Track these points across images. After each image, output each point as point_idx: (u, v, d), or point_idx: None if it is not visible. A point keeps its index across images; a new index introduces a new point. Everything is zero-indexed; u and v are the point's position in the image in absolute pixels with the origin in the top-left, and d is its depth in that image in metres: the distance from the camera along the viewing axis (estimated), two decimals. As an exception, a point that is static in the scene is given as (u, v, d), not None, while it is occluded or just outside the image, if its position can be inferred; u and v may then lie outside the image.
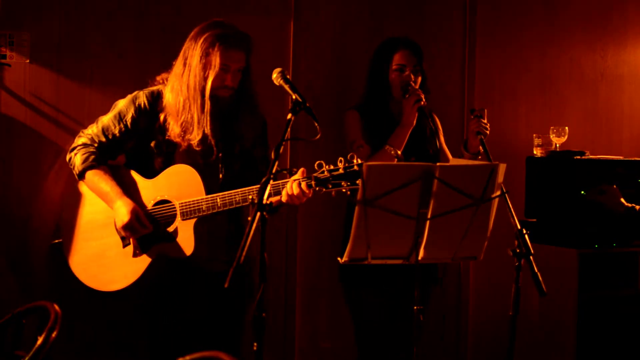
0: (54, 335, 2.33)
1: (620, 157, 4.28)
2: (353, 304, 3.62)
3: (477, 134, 3.43)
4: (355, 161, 2.80)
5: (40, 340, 2.31)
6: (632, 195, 4.13)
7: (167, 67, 3.34)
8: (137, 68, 3.78)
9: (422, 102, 3.48)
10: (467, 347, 4.53)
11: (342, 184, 2.79)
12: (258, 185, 2.60)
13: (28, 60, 3.63)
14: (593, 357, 3.97)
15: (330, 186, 2.80)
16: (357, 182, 2.73)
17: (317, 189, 2.83)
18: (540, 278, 2.82)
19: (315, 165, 2.82)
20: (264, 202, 2.53)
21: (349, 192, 2.80)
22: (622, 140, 4.86)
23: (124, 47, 3.77)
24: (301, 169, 2.89)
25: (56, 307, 2.43)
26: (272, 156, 2.62)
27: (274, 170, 2.62)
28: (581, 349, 3.92)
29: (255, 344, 2.52)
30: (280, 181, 2.93)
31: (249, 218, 2.51)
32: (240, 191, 2.97)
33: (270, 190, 2.89)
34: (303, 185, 2.85)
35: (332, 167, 2.84)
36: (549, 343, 4.06)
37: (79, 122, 3.70)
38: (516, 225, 2.88)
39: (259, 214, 2.52)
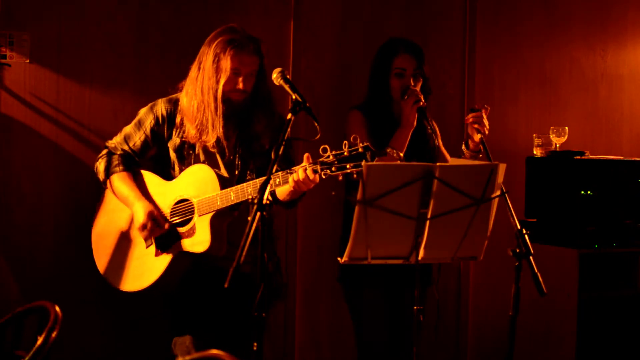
0: (54, 335, 2.33)
1: (620, 157, 4.28)
2: (352, 304, 3.62)
3: (476, 132, 3.42)
4: (359, 143, 2.80)
5: (40, 340, 2.31)
6: (632, 195, 4.13)
7: (166, 67, 3.35)
8: (137, 68, 3.79)
9: (421, 103, 3.47)
10: (467, 347, 4.53)
11: (347, 166, 2.79)
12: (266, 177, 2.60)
13: (28, 60, 3.63)
14: (593, 357, 3.97)
15: (334, 169, 2.81)
16: (362, 163, 2.74)
17: (322, 173, 2.84)
18: (540, 278, 2.82)
19: (320, 150, 2.83)
20: (263, 202, 2.53)
21: (355, 175, 2.80)
22: (622, 140, 4.86)
23: (124, 47, 3.77)
24: (306, 155, 2.90)
25: (56, 307, 2.43)
26: (272, 156, 2.63)
27: (273, 170, 2.64)
28: (581, 349, 3.93)
29: (255, 343, 2.52)
30: (287, 170, 2.95)
31: (249, 218, 2.51)
32: (252, 183, 3.00)
33: (280, 179, 2.92)
34: (309, 170, 2.87)
35: (336, 151, 2.85)
36: (549, 343, 4.06)
37: (79, 122, 3.70)
38: (516, 225, 2.88)
39: (259, 214, 2.52)
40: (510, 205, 2.91)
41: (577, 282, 3.93)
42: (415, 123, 3.48)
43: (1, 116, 3.60)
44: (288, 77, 2.91)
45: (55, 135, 3.68)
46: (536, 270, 2.82)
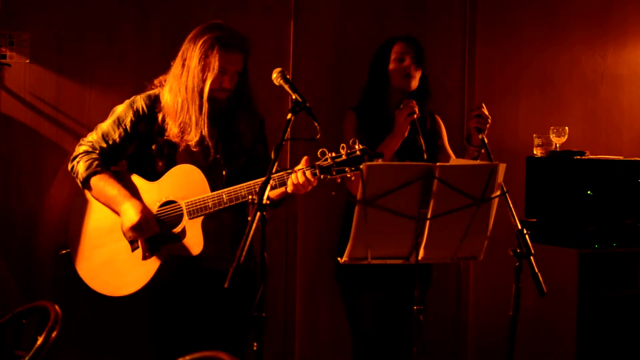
0: (54, 335, 2.33)
1: (620, 157, 4.28)
2: (350, 304, 3.62)
3: (477, 131, 3.42)
4: (357, 146, 2.80)
5: (40, 340, 2.31)
6: (632, 195, 4.13)
7: (167, 68, 3.35)
8: (137, 68, 3.78)
9: (415, 116, 3.48)
10: (467, 347, 4.53)
11: (346, 169, 2.79)
12: (263, 178, 2.59)
13: (28, 60, 3.63)
14: (593, 357, 3.97)
15: (334, 172, 2.81)
16: (361, 166, 2.73)
17: (321, 176, 2.84)
18: (541, 278, 2.82)
19: (319, 153, 2.82)
20: (263, 202, 2.53)
21: (353, 177, 2.80)
22: (622, 140, 4.86)
23: (124, 47, 3.77)
24: (304, 158, 2.89)
25: (56, 307, 2.43)
26: (272, 156, 2.62)
27: (273, 170, 2.63)
28: (581, 349, 3.93)
29: (255, 344, 2.52)
30: (284, 172, 2.94)
31: (249, 218, 2.51)
32: (246, 185, 2.99)
33: (275, 182, 2.91)
34: (307, 173, 2.86)
35: (334, 154, 2.85)
36: (549, 343, 4.06)
37: (79, 122, 3.70)
38: (517, 225, 2.88)
39: (259, 213, 2.51)
40: (511, 205, 2.91)
41: (577, 282, 3.93)
42: (406, 134, 3.50)
43: (1, 116, 3.60)
44: (288, 77, 2.91)
45: (55, 135, 3.68)
46: (537, 270, 2.82)
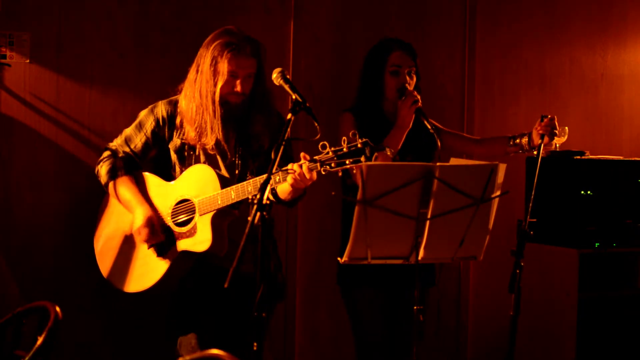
0: (54, 335, 2.33)
1: (620, 157, 4.28)
2: (351, 304, 3.62)
3: (540, 137, 3.42)
4: (357, 139, 2.80)
5: (40, 340, 2.31)
6: (632, 195, 4.13)
7: (167, 67, 3.36)
8: (138, 68, 3.79)
9: (419, 104, 3.49)
10: (467, 347, 4.53)
11: (346, 162, 2.79)
12: (266, 175, 2.60)
13: (28, 60, 3.63)
14: (593, 357, 3.97)
15: (334, 165, 2.81)
16: (361, 158, 2.73)
17: (321, 169, 2.84)
18: (518, 278, 2.85)
19: (319, 146, 2.82)
20: (264, 202, 2.53)
21: (355, 170, 2.79)
22: (622, 140, 4.86)
23: (124, 47, 3.77)
24: (302, 154, 2.90)
25: (56, 307, 2.43)
26: (272, 156, 2.63)
27: (274, 170, 2.63)
28: (581, 349, 3.93)
29: (255, 344, 2.52)
30: (287, 167, 2.94)
31: (249, 218, 2.51)
32: (252, 181, 3.01)
33: (279, 177, 2.92)
34: (307, 166, 2.87)
35: (336, 147, 2.85)
36: (549, 343, 4.06)
37: (79, 122, 3.70)
38: (526, 225, 2.90)
39: (259, 213, 2.52)
40: (530, 206, 2.93)
41: (577, 281, 3.93)
42: (411, 124, 3.49)
43: (1, 116, 3.60)
44: (288, 77, 2.91)
45: (55, 135, 3.68)
46: (518, 270, 2.85)
